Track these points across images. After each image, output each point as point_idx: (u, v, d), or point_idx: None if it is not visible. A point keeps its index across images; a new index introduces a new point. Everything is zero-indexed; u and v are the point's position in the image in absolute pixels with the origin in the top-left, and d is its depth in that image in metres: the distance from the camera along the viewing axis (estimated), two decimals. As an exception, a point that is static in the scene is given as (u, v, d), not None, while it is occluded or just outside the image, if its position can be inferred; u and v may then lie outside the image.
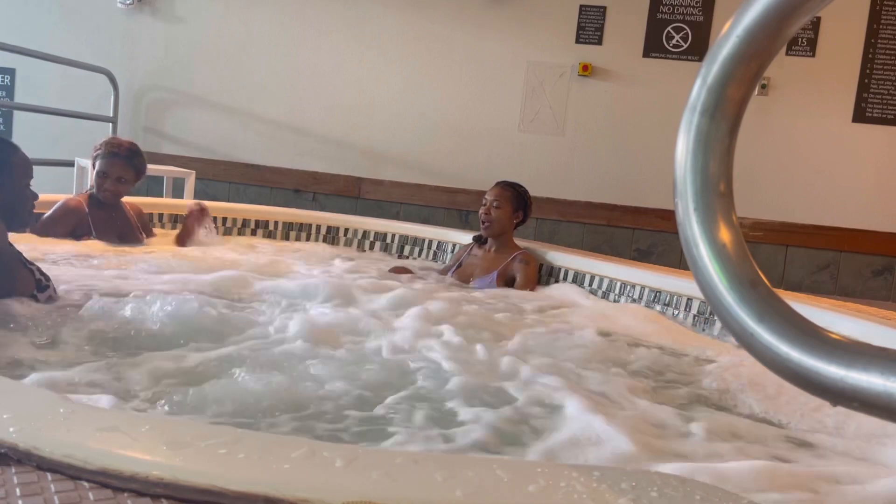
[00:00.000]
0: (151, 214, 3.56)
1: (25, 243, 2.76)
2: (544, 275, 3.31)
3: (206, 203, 3.47)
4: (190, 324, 1.88)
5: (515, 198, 3.26)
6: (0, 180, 1.92)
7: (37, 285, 1.93)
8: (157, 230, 3.50)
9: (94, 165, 3.08)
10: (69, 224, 2.97)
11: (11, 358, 1.53)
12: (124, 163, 3.05)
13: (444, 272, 3.41)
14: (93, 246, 2.90)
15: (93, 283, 2.28)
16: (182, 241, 3.28)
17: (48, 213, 2.96)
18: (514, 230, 3.32)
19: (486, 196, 3.28)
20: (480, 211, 3.27)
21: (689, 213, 0.72)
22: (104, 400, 1.30)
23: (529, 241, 3.68)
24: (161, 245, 3.21)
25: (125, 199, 3.21)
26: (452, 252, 3.68)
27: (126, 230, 3.14)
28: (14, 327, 1.73)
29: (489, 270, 3.18)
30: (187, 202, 3.62)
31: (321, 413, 1.40)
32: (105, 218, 3.07)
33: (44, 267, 2.05)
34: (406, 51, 4.98)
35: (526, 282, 3.13)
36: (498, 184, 3.32)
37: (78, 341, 1.70)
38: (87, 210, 3.02)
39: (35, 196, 2.05)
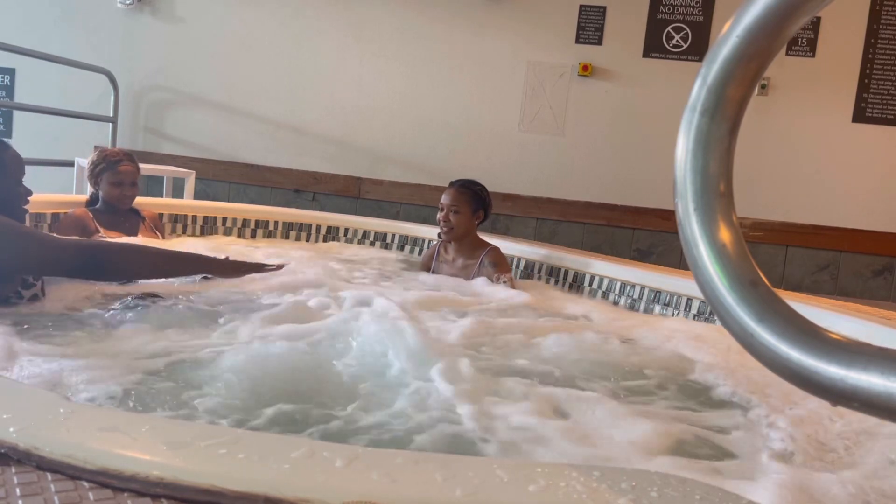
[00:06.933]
0: (161, 215, 3.55)
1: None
2: (544, 274, 3.31)
3: (208, 203, 3.46)
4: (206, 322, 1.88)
5: (473, 198, 3.09)
6: None
7: (22, 283, 1.90)
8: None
9: (95, 183, 3.03)
10: (78, 231, 2.92)
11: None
12: (134, 166, 3.08)
13: (423, 268, 3.35)
14: None
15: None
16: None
17: (56, 227, 2.91)
18: (476, 229, 3.18)
19: (442, 200, 3.07)
20: (438, 216, 3.10)
21: (689, 213, 0.71)
22: (98, 399, 1.30)
23: (529, 242, 3.68)
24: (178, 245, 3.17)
25: (139, 201, 3.20)
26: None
27: (134, 232, 3.11)
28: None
29: (467, 278, 3.07)
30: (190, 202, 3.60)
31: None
32: (111, 222, 3.03)
33: None
34: (406, 51, 4.98)
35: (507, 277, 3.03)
36: (453, 185, 3.13)
37: (70, 339, 1.68)
38: (91, 216, 2.98)
39: (28, 192, 2.08)
